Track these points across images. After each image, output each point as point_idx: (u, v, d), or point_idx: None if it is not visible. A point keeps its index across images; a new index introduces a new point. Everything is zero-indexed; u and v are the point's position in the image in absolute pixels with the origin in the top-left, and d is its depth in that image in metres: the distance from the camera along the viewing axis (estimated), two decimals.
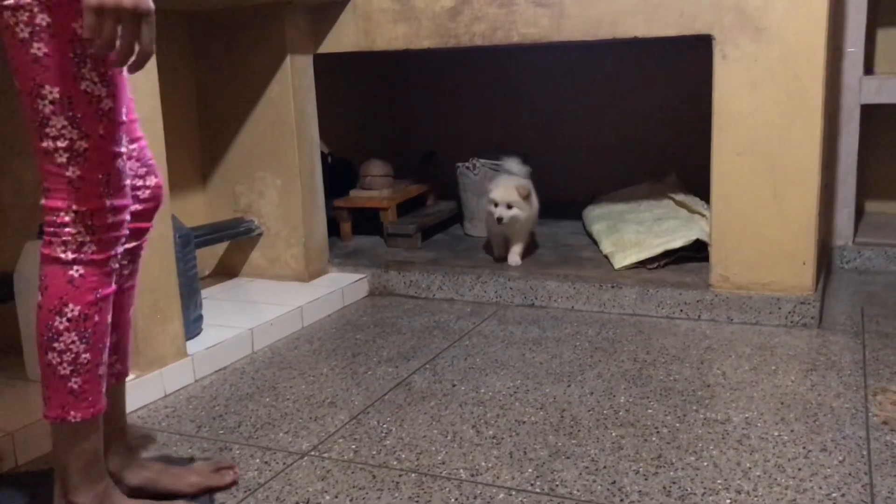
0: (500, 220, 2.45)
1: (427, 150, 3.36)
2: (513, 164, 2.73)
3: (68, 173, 1.13)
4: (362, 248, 2.81)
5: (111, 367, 1.31)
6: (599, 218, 2.80)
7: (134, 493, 1.34)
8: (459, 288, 2.46)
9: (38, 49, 1.08)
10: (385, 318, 2.33)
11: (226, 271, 2.65)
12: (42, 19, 1.07)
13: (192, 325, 1.99)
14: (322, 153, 2.65)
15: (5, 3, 1.07)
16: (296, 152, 2.47)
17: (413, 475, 1.44)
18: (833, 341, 2.01)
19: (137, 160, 1.29)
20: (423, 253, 2.73)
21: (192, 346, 1.95)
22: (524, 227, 2.54)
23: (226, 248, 2.64)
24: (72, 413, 1.17)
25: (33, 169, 1.82)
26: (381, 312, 2.39)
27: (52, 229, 1.15)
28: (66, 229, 1.14)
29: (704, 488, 1.36)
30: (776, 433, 1.54)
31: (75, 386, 1.17)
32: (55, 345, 1.16)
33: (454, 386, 1.82)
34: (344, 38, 2.47)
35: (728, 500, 1.32)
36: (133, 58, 1.06)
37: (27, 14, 1.07)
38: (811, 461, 1.43)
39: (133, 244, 1.30)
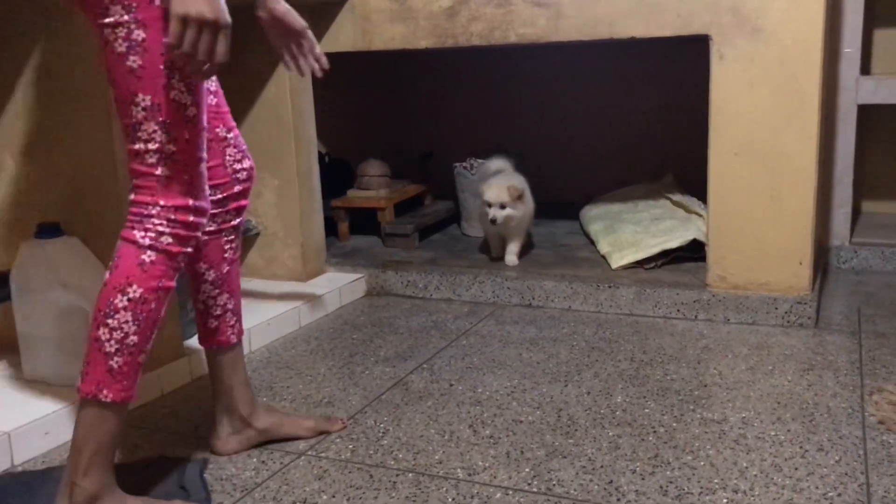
0: (494, 221, 2.45)
1: (425, 150, 3.36)
2: (498, 162, 2.71)
3: (157, 172, 1.22)
4: (360, 248, 2.81)
5: (233, 328, 1.52)
6: (597, 218, 2.81)
7: (261, 434, 1.54)
8: (457, 288, 2.46)
9: (134, 62, 1.18)
10: (382, 318, 2.33)
11: None
12: (138, 35, 1.17)
13: (189, 325, 1.99)
14: (319, 153, 2.64)
15: (105, 21, 1.18)
16: (293, 152, 2.47)
17: (410, 475, 1.44)
18: (830, 341, 2.02)
19: (234, 147, 1.47)
20: (420, 253, 2.73)
21: (189, 345, 1.94)
22: (520, 227, 2.54)
23: None
24: (104, 392, 1.22)
25: (31, 169, 1.82)
26: (378, 312, 2.39)
27: (136, 217, 1.23)
28: (150, 219, 1.23)
29: (701, 488, 1.36)
30: (773, 433, 1.54)
31: (115, 365, 1.22)
32: (109, 321, 1.22)
33: (451, 386, 1.82)
34: (341, 37, 2.47)
35: (725, 500, 1.32)
36: (206, 66, 1.15)
37: (125, 30, 1.17)
38: (808, 461, 1.43)
39: (237, 220, 1.49)
